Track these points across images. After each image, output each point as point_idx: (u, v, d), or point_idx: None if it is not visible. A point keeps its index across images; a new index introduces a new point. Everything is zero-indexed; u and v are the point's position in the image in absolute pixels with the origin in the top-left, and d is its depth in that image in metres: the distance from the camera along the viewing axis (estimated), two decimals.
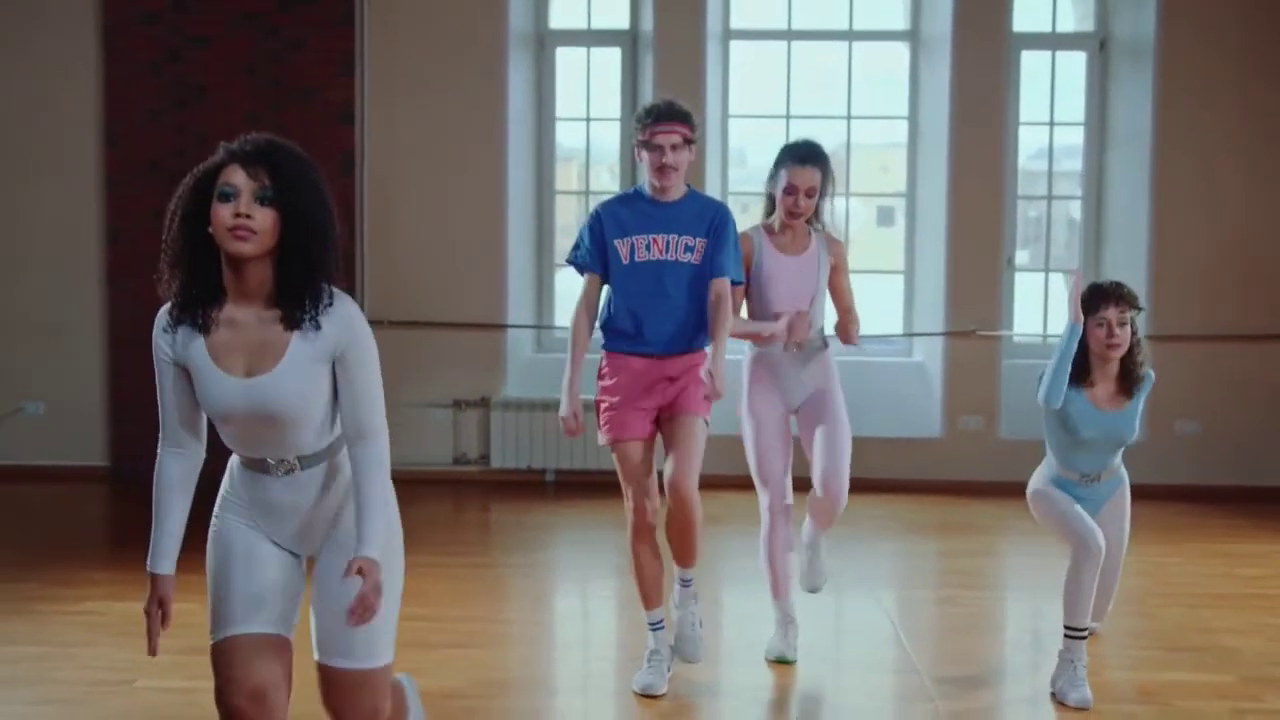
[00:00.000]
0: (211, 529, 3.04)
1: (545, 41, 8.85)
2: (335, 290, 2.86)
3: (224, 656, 2.87)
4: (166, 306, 2.88)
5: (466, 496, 8.10)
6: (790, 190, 4.78)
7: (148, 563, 3.01)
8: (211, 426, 3.01)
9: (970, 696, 4.61)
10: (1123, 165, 8.62)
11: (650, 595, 4.63)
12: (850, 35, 8.83)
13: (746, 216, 9.75)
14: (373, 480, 2.87)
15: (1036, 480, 4.84)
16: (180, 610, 5.39)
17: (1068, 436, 4.67)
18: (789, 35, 8.84)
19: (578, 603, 6.29)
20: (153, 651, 2.96)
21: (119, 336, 8.54)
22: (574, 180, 9.38)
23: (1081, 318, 4.52)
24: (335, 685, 3.00)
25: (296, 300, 2.79)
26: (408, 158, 8.45)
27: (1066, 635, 4.57)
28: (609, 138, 8.98)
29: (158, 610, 2.98)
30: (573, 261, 4.68)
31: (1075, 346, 4.51)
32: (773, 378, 4.92)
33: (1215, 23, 8.28)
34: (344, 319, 2.84)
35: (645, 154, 4.49)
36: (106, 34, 8.43)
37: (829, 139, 9.25)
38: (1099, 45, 8.68)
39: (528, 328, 8.85)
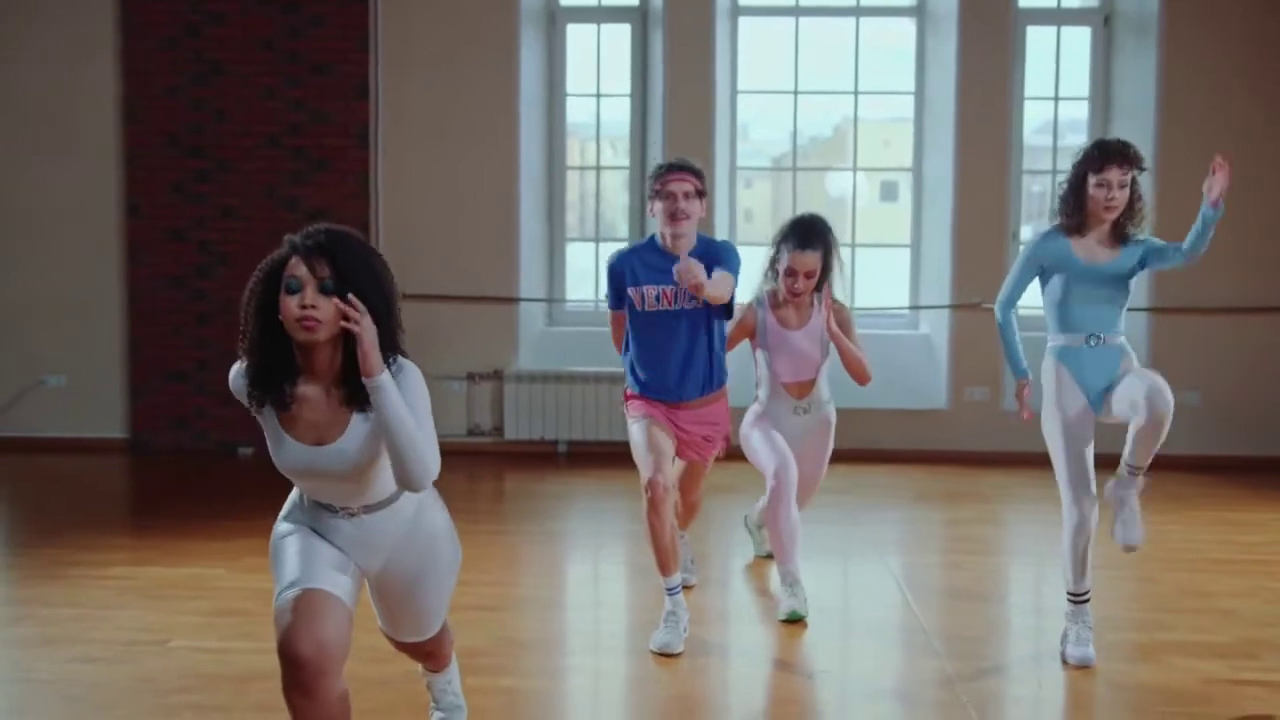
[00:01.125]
0: (274, 532, 3.24)
1: (556, 18, 8.95)
2: (399, 361, 3.05)
3: (289, 610, 3.01)
4: (243, 365, 3.06)
5: (481, 467, 8.24)
6: (790, 273, 5.08)
7: None
8: None
9: (976, 656, 4.75)
10: (1126, 139, 8.69)
11: (667, 562, 4.80)
12: (858, 11, 8.94)
13: (750, 192, 9.90)
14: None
15: (1047, 381, 4.70)
16: (208, 575, 5.62)
17: (1062, 291, 4.61)
18: (797, 11, 8.95)
19: (590, 568, 6.44)
20: None
21: (139, 310, 8.69)
22: (580, 155, 9.48)
23: (1029, 420, 4.67)
24: (396, 644, 3.54)
25: (357, 382, 2.97)
26: (421, 132, 8.57)
27: (1069, 600, 4.71)
28: (619, 114, 9.09)
29: None
30: (609, 306, 5.06)
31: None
32: (775, 423, 5.31)
33: None
34: (402, 382, 3.02)
35: (659, 203, 4.74)
36: (124, 10, 8.55)
37: (835, 114, 9.38)
38: (1103, 20, 8.78)
39: (539, 301, 8.98)
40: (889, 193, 11.65)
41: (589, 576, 6.33)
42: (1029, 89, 8.85)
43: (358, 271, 2.94)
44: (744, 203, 9.31)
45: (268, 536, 3.20)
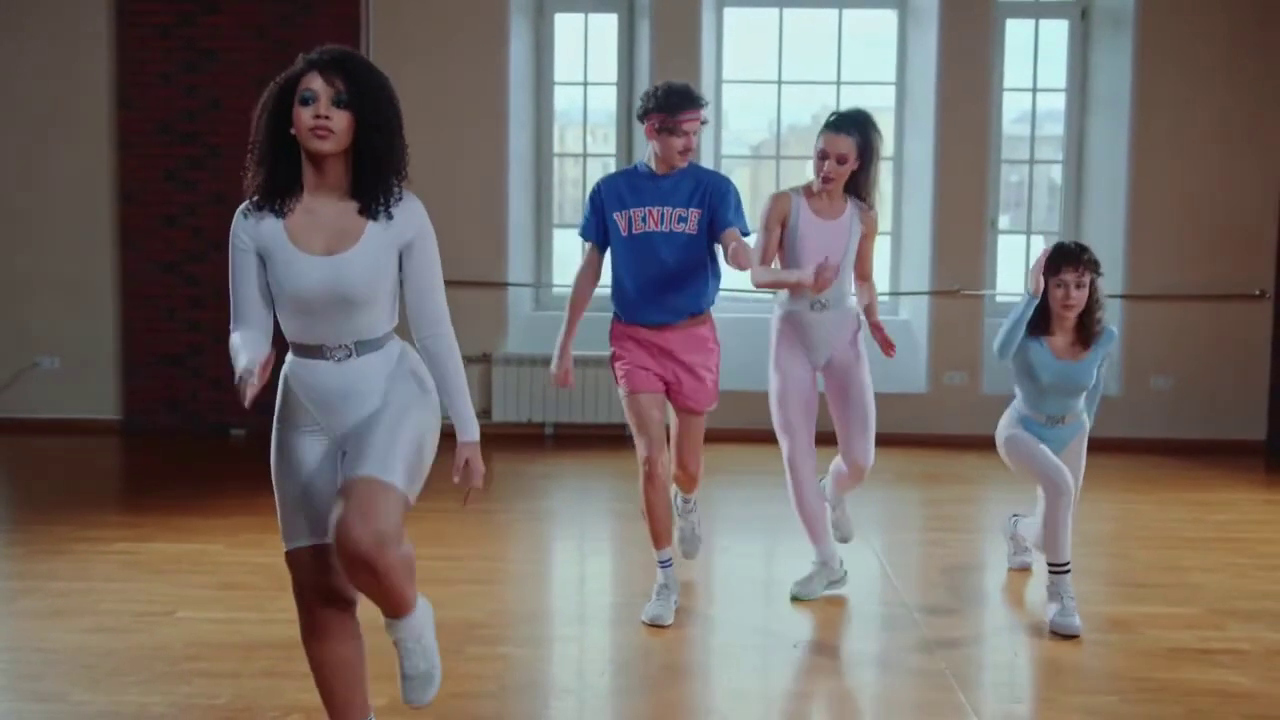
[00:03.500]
0: (273, 441, 3.25)
1: (544, 7, 9.08)
2: (404, 194, 3.18)
3: (297, 564, 3.20)
4: (246, 202, 3.14)
5: None
6: (821, 155, 4.99)
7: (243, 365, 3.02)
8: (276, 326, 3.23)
9: (953, 626, 4.93)
10: (1102, 130, 8.91)
11: (660, 535, 4.96)
12: (840, 2, 9.06)
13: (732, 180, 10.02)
14: (452, 366, 3.20)
15: (1004, 424, 5.18)
16: (209, 551, 5.77)
17: (1030, 382, 5.03)
18: (781, 2, 9.08)
19: (577, 545, 6.61)
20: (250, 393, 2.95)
21: (132, 293, 8.81)
22: (564, 143, 9.61)
23: (1040, 289, 4.86)
24: (348, 497, 2.99)
25: (371, 192, 3.09)
26: (411, 119, 8.52)
27: (1051, 572, 4.91)
28: (605, 102, 9.23)
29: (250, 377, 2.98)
30: (580, 234, 5.02)
31: (1029, 314, 4.89)
32: (799, 336, 5.11)
33: None
34: (413, 212, 3.16)
35: (666, 137, 4.72)
36: None
37: (814, 103, 9.53)
38: (1080, 13, 8.96)
39: (527, 286, 9.12)
40: None
41: (576, 553, 6.49)
42: (1008, 80, 9.02)
43: (372, 89, 3.05)
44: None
45: (265, 515, 3.32)
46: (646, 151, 4.87)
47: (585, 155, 9.42)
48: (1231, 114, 8.64)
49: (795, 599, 5.22)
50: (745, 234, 4.88)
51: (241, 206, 3.15)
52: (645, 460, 4.86)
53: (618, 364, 4.96)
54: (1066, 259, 4.90)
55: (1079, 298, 4.89)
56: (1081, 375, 4.98)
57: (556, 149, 9.33)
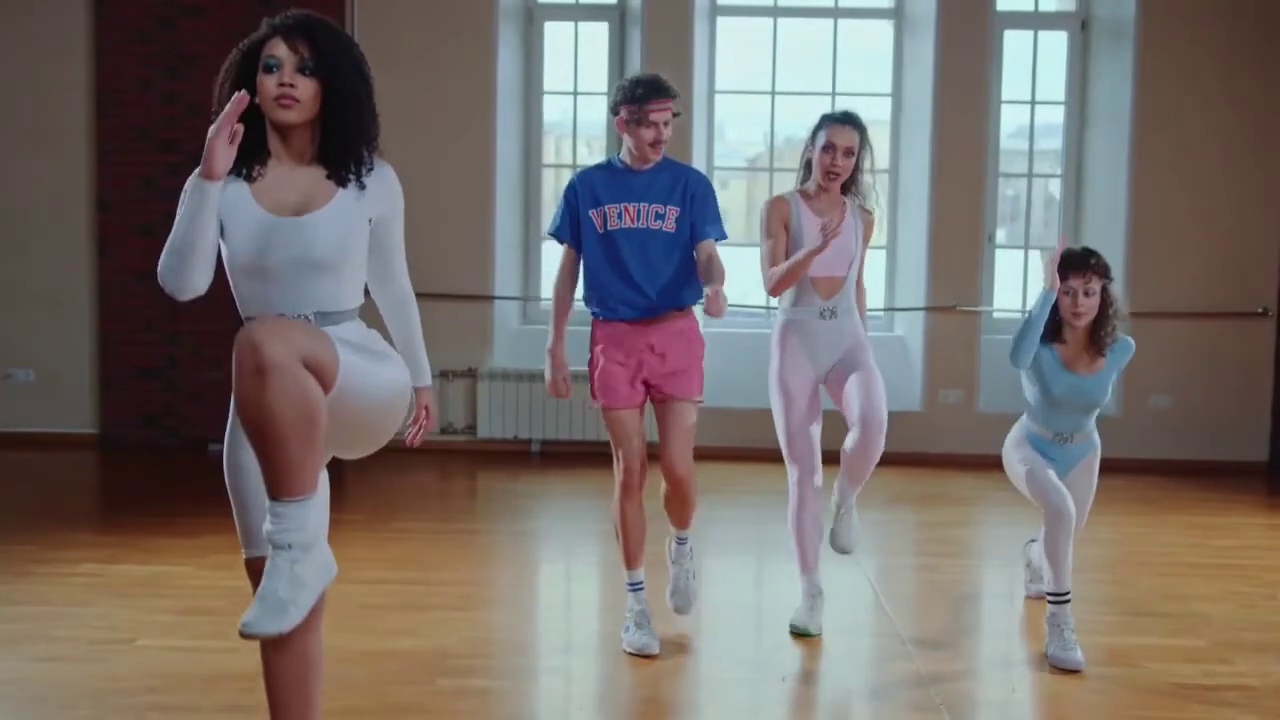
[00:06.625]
0: (225, 448, 3.05)
1: (534, 15, 8.92)
2: (376, 157, 3.04)
3: (258, 572, 2.93)
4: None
5: (453, 465, 8.19)
6: (829, 148, 4.80)
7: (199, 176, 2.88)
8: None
9: (948, 659, 4.74)
10: (1102, 143, 8.75)
11: (633, 555, 4.77)
12: (836, 13, 8.92)
13: (726, 193, 9.87)
14: (415, 318, 3.26)
15: (1012, 437, 4.99)
16: (176, 573, 5.57)
17: (1041, 394, 4.80)
18: (775, 12, 8.93)
19: (563, 568, 6.42)
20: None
21: (109, 304, 8.61)
22: (554, 153, 9.44)
23: (1057, 284, 4.62)
24: None
25: (340, 162, 2.96)
26: (397, 129, 8.37)
27: (1050, 601, 4.71)
28: (596, 112, 9.06)
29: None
30: (551, 233, 4.84)
31: (1046, 313, 4.65)
32: (803, 343, 4.92)
33: (1194, 3, 8.42)
34: (386, 183, 3.05)
35: (637, 130, 4.54)
36: (98, 2, 8.46)
37: (811, 115, 9.35)
38: (1080, 25, 8.80)
39: (514, 299, 8.94)
40: None
41: (561, 576, 6.30)
42: (1006, 93, 8.86)
43: (339, 56, 2.92)
44: (720, 203, 9.26)
45: (235, 534, 3.13)
46: (622, 148, 4.69)
47: (576, 166, 9.24)
48: (1233, 128, 8.48)
49: (802, 634, 4.97)
50: (723, 238, 4.71)
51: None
52: (623, 471, 4.65)
53: (594, 371, 4.75)
54: (1072, 265, 4.66)
55: (1088, 306, 4.66)
56: (1095, 389, 4.77)
57: (546, 160, 9.16)
